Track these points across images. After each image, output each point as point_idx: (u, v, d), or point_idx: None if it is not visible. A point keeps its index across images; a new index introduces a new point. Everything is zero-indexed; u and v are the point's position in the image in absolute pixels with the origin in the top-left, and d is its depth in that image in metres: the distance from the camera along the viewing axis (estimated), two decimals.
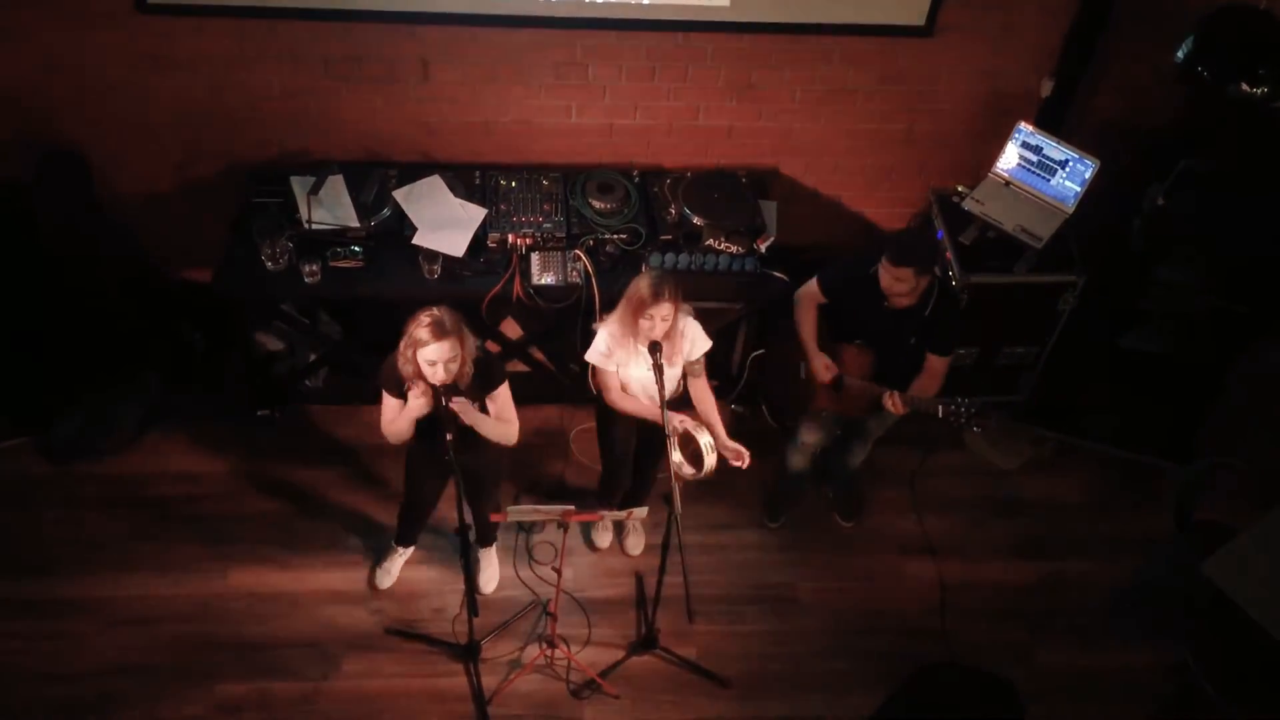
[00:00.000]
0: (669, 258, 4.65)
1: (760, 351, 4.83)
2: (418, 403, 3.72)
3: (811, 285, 4.31)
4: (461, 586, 4.11)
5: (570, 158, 5.04)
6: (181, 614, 4.48)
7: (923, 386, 4.20)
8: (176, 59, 4.57)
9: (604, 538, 4.82)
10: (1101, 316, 5.03)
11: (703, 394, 4.17)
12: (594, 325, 4.10)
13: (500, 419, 3.92)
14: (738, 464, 4.03)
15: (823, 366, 4.30)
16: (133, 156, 4.87)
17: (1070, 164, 4.77)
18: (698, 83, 4.84)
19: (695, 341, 4.04)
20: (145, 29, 4.45)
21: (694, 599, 3.88)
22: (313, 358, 5.08)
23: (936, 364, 4.21)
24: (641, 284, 3.79)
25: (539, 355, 5.14)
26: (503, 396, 3.91)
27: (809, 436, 4.60)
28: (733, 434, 4.07)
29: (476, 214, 4.71)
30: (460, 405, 3.65)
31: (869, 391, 4.23)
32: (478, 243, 4.65)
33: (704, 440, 3.93)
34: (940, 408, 4.05)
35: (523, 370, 5.12)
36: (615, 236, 4.71)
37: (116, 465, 4.91)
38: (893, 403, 4.14)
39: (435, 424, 3.75)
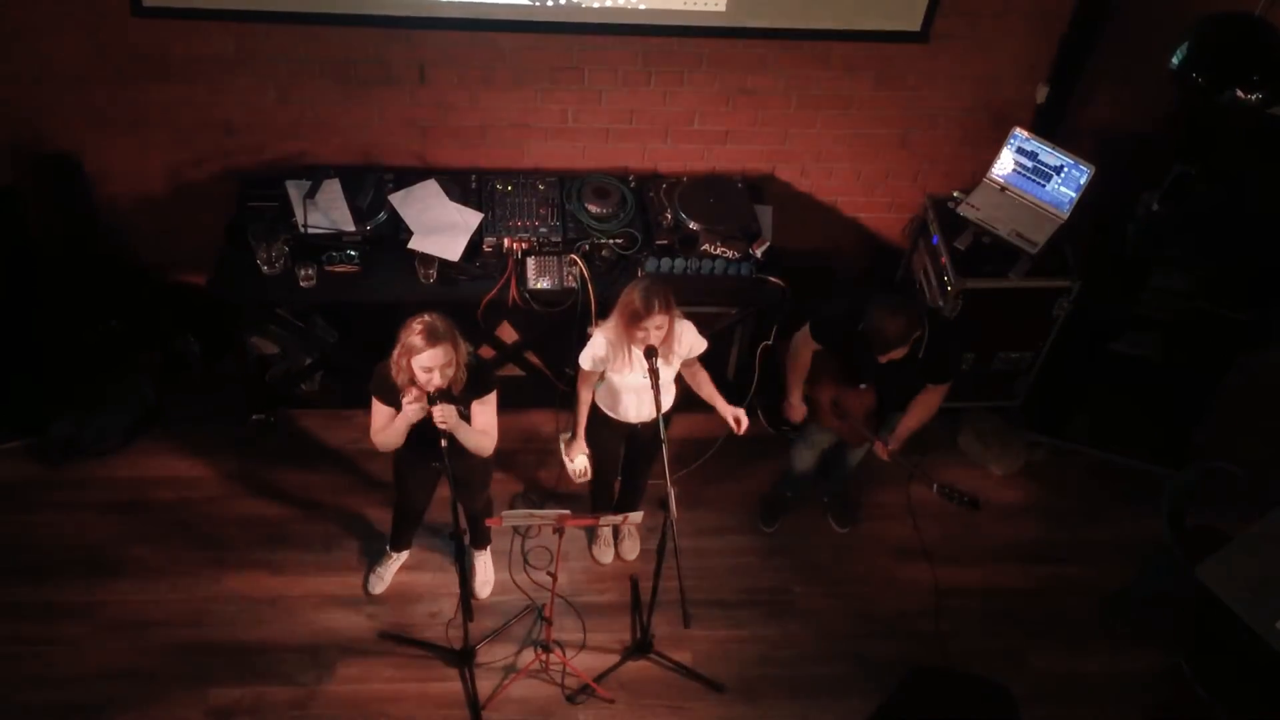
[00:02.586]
0: (665, 262, 4.65)
1: (767, 343, 4.81)
2: (412, 408, 3.70)
3: (805, 334, 4.30)
4: (456, 591, 4.10)
5: (566, 162, 5.04)
6: (175, 618, 4.47)
7: (917, 416, 4.28)
8: (172, 62, 4.56)
9: (605, 554, 4.81)
10: (1096, 322, 5.04)
11: (695, 373, 4.22)
12: (590, 329, 4.10)
13: (482, 429, 3.90)
14: (739, 431, 4.14)
15: (792, 405, 4.39)
16: (127, 160, 4.86)
17: (1065, 169, 4.78)
18: (694, 87, 4.84)
19: (691, 345, 4.05)
20: (140, 31, 4.44)
21: (689, 603, 3.87)
22: (308, 362, 5.07)
23: (933, 394, 4.24)
24: (634, 295, 3.77)
25: (534, 360, 5.13)
26: (490, 405, 3.90)
27: (819, 434, 4.61)
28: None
29: (472, 218, 4.71)
30: (444, 412, 3.64)
31: (864, 435, 4.30)
32: (473, 247, 4.65)
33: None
34: (935, 486, 4.16)
35: (518, 375, 5.12)
36: (611, 241, 4.71)
37: (111, 469, 4.90)
38: (884, 451, 4.26)
39: (423, 430, 3.75)
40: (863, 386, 4.28)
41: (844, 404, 4.32)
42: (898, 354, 4.00)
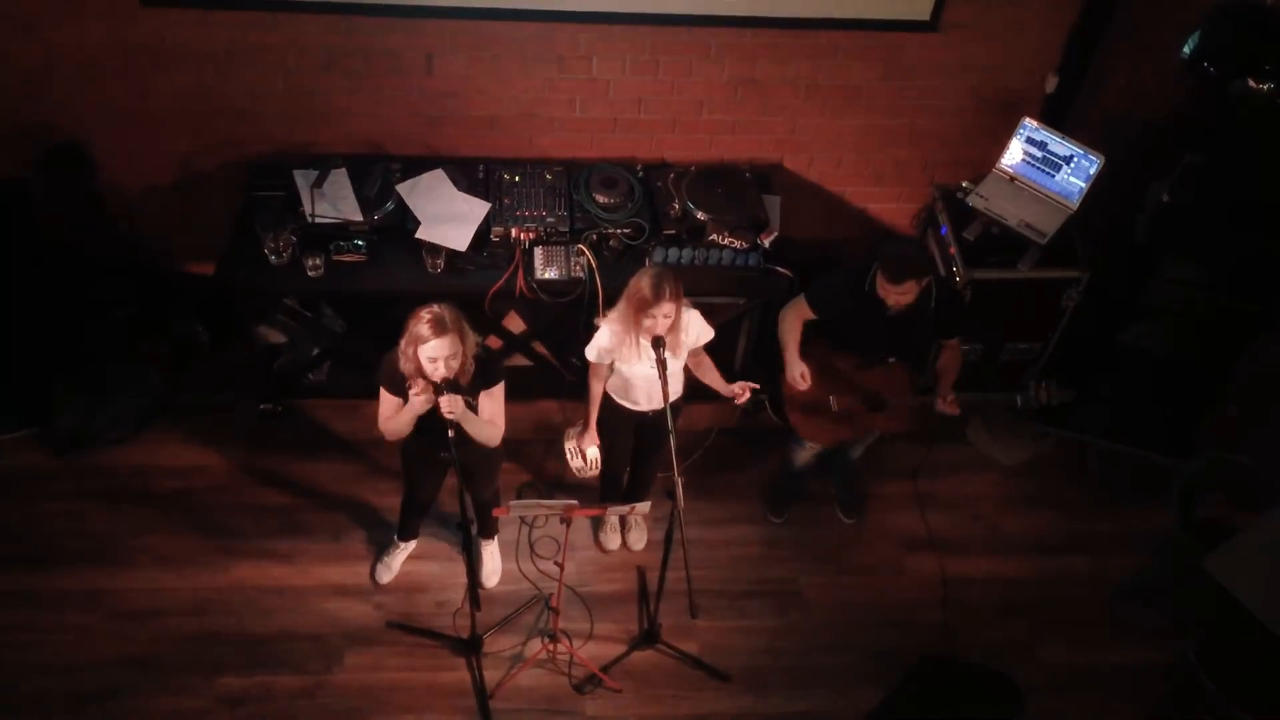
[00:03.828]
0: (672, 252, 4.64)
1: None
2: (418, 400, 3.71)
3: (799, 303, 4.30)
4: (464, 580, 4.11)
5: (574, 152, 5.03)
6: (184, 607, 4.49)
7: (951, 372, 4.32)
8: (180, 51, 4.56)
9: (612, 540, 4.82)
10: (1105, 313, 5.02)
11: (699, 361, 4.21)
12: (596, 321, 4.10)
13: (489, 420, 3.91)
14: (740, 402, 4.12)
15: (799, 375, 4.33)
16: (135, 150, 4.86)
17: (1075, 160, 4.76)
18: (702, 77, 4.83)
19: (699, 334, 4.05)
20: (149, 21, 4.44)
21: (696, 594, 3.88)
22: (315, 352, 5.08)
23: (952, 349, 4.33)
24: (643, 283, 3.78)
25: (541, 349, 5.14)
26: (497, 396, 3.91)
27: None
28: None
29: (480, 208, 4.71)
30: (450, 402, 3.65)
31: (916, 406, 4.30)
32: (481, 237, 4.65)
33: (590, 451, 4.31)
34: (1019, 399, 4.13)
35: (525, 365, 5.12)
36: (619, 231, 4.71)
37: (120, 458, 4.91)
38: (948, 406, 4.25)
39: (432, 419, 3.75)
40: (891, 360, 4.29)
41: (880, 389, 4.31)
42: (910, 294, 4.00)
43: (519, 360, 5.10)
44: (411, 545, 4.67)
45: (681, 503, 3.76)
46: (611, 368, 4.09)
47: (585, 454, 4.28)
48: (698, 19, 4.60)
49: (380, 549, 4.68)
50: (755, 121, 5.01)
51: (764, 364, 4.99)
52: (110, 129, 4.78)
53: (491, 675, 4.36)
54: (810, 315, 4.30)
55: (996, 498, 5.14)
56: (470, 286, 4.55)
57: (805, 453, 4.70)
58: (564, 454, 4.37)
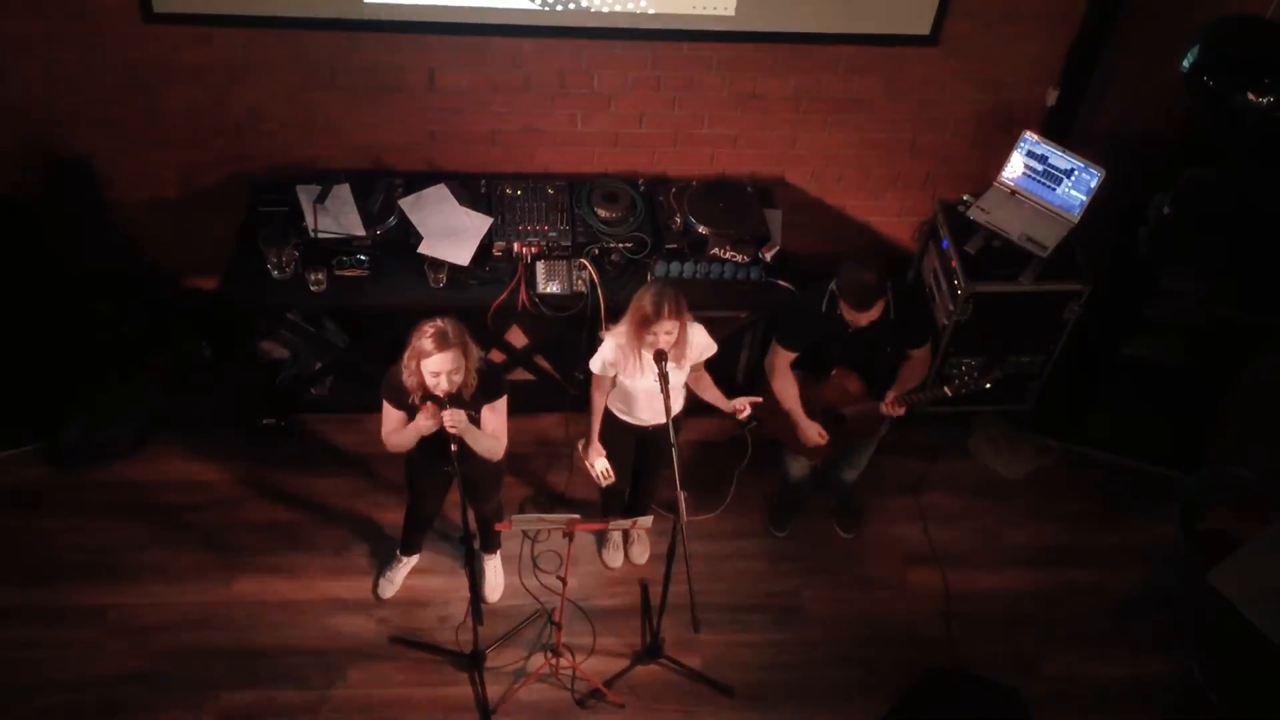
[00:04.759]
0: (674, 266, 4.66)
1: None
2: (426, 423, 3.72)
3: (777, 350, 4.29)
4: (466, 595, 4.11)
5: (575, 167, 5.05)
6: (186, 622, 4.48)
7: (911, 374, 4.25)
8: (183, 68, 4.58)
9: (615, 554, 4.81)
10: (1107, 325, 5.03)
11: (699, 377, 4.21)
12: (601, 333, 4.10)
13: (492, 434, 3.91)
14: (742, 417, 4.10)
15: (815, 434, 4.33)
16: (139, 165, 4.87)
17: (1076, 173, 4.77)
18: (703, 92, 4.84)
19: (702, 349, 4.06)
20: (152, 38, 4.46)
21: (699, 608, 3.86)
22: (318, 366, 5.09)
23: (919, 355, 4.26)
24: (644, 300, 3.78)
25: (544, 364, 5.14)
26: (500, 410, 3.91)
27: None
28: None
29: (482, 223, 4.72)
30: (453, 417, 3.65)
31: (869, 411, 4.26)
32: (483, 251, 4.66)
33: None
34: (946, 389, 4.06)
35: (527, 379, 5.13)
36: (620, 245, 4.71)
37: (121, 472, 4.91)
38: (889, 408, 4.18)
39: (435, 433, 3.76)
40: (836, 371, 4.28)
41: (833, 398, 4.31)
42: (875, 312, 3.99)
43: (521, 374, 5.10)
44: (414, 560, 4.66)
45: (684, 517, 3.76)
46: (614, 381, 4.09)
47: (596, 466, 4.27)
48: (698, 34, 4.61)
49: (383, 563, 4.67)
50: (757, 136, 5.02)
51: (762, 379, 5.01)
52: (113, 145, 4.79)
53: (494, 690, 4.35)
54: (791, 357, 4.30)
55: (999, 511, 5.13)
56: (472, 301, 4.55)
57: (798, 464, 4.70)
58: (588, 470, 4.34)
